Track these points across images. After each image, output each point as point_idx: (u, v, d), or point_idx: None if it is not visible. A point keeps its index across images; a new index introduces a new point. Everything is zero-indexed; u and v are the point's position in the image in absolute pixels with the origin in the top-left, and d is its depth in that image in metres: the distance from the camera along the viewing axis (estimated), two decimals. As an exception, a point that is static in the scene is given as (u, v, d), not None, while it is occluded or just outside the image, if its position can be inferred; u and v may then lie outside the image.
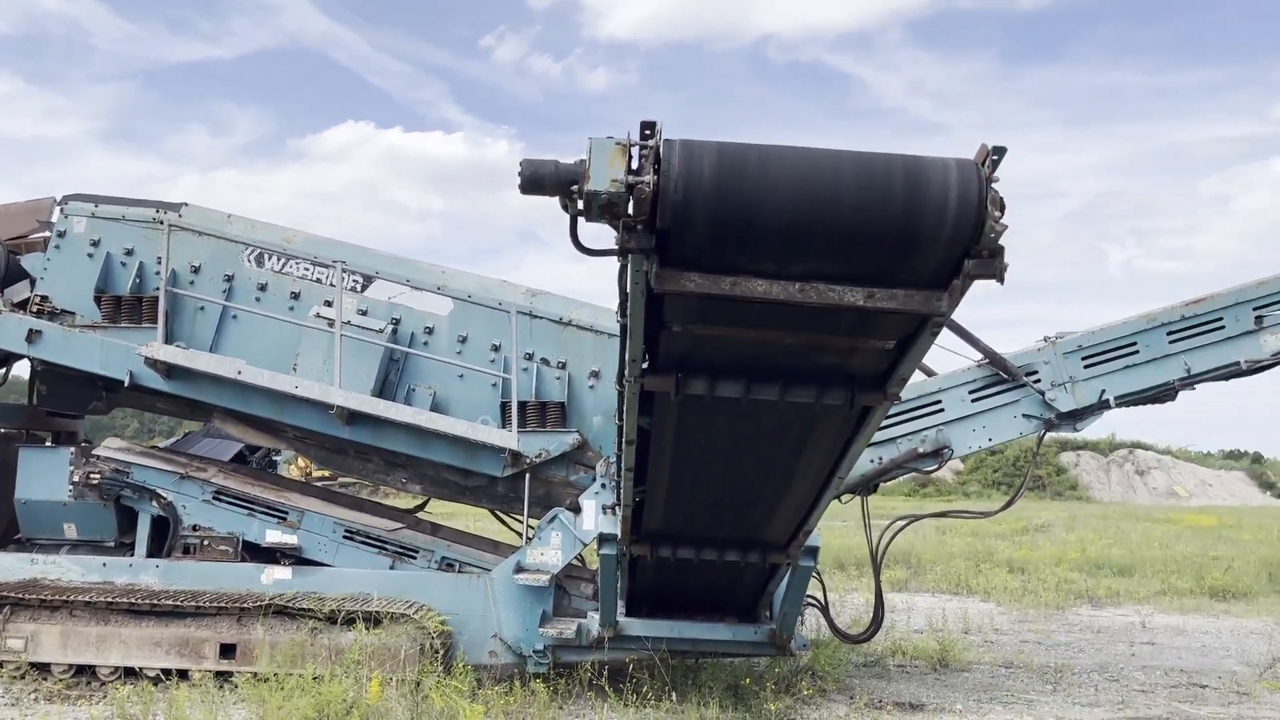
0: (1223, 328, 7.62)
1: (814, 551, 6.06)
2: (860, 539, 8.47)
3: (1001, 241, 3.10)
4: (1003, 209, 3.07)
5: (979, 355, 7.66)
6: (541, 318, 7.89)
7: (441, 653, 7.17)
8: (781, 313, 3.47)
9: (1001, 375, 7.62)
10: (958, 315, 7.72)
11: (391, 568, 7.80)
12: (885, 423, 7.58)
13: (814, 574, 7.81)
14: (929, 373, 8.08)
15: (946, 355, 7.80)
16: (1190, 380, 7.62)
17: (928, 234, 3.13)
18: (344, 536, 7.89)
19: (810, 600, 7.61)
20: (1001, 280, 3.18)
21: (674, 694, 7.00)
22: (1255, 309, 7.61)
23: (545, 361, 7.93)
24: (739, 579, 6.58)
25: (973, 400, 7.65)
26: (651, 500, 5.50)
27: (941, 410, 7.64)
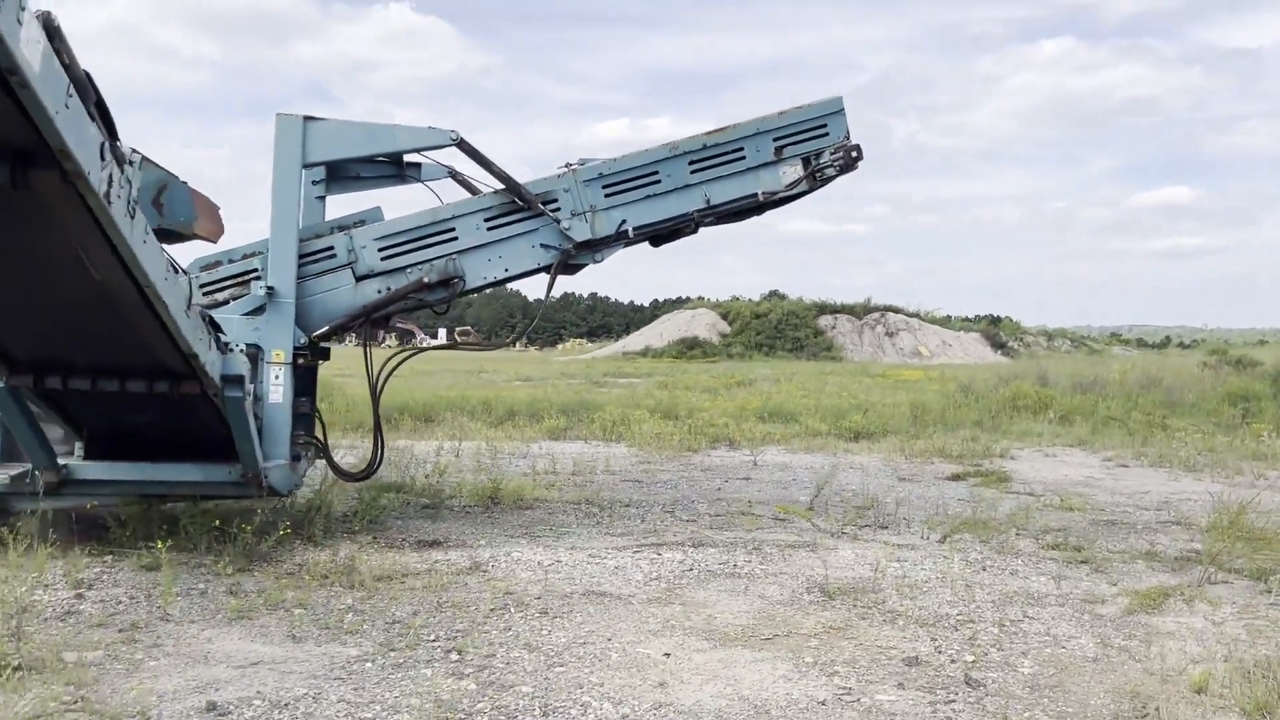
0: (744, 158, 7.54)
1: (237, 381, 5.60)
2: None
3: None
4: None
5: (496, 182, 7.29)
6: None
7: None
8: None
9: (518, 203, 7.29)
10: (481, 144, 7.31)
11: None
12: (394, 251, 7.18)
13: (314, 411, 7.46)
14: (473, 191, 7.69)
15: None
16: (710, 211, 7.54)
17: None
18: None
19: (308, 439, 7.25)
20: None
21: (149, 541, 6.51)
22: (775, 140, 7.55)
23: None
24: (188, 414, 6.07)
25: (489, 229, 7.30)
26: None
27: (455, 238, 7.26)
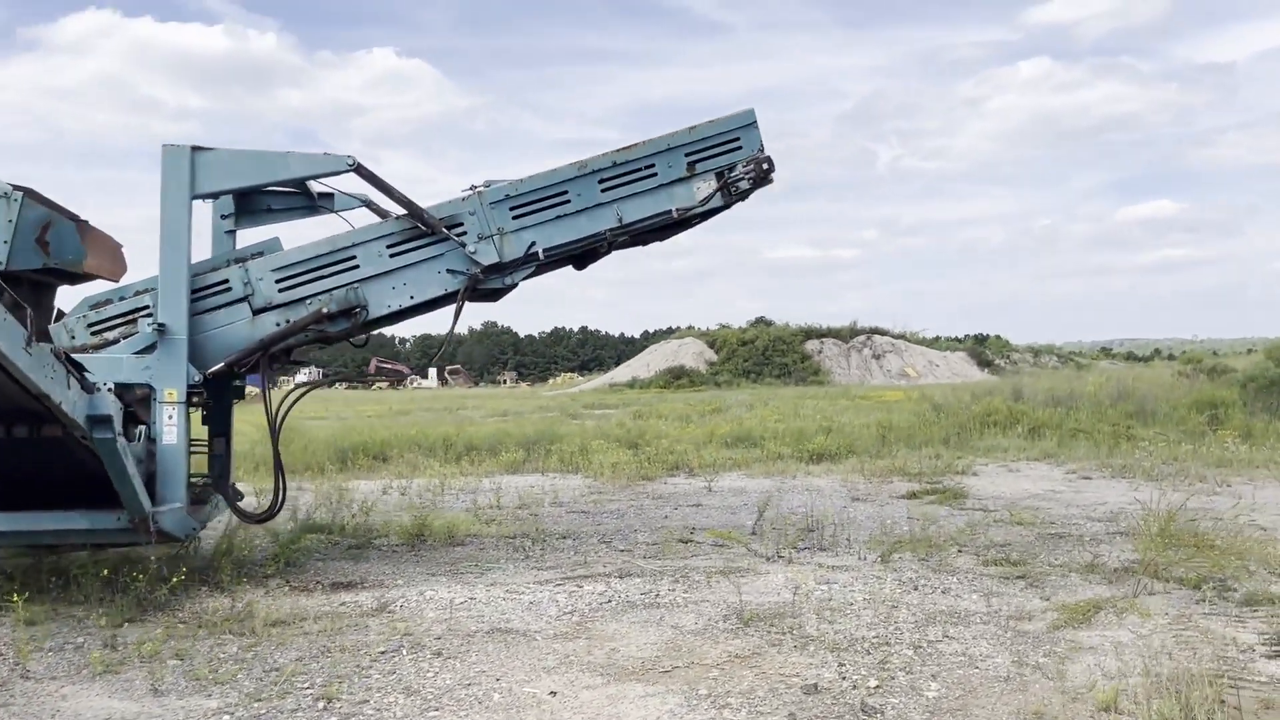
0: (655, 175, 7.33)
1: (104, 421, 5.32)
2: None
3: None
4: None
5: (399, 207, 7.06)
6: None
7: None
8: None
9: (422, 228, 7.06)
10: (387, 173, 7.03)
11: None
12: (292, 281, 6.95)
13: (229, 452, 7.20)
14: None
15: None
16: (624, 230, 7.32)
17: None
18: None
19: (204, 479, 6.98)
20: None
21: (39, 593, 6.23)
22: (688, 155, 7.36)
23: None
24: (69, 459, 5.80)
25: (391, 256, 7.07)
26: None
27: (356, 267, 7.02)
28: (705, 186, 7.34)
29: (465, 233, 7.09)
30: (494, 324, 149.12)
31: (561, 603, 6.45)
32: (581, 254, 7.42)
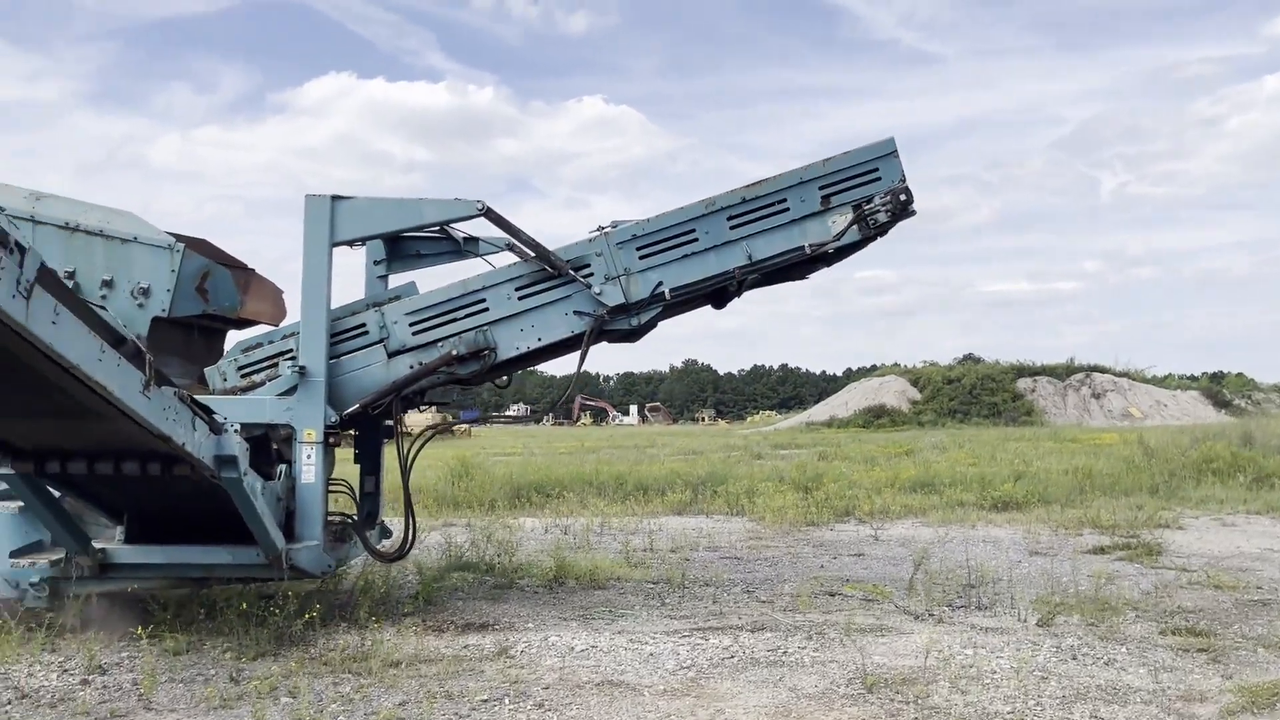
0: (787, 210, 7.06)
1: (230, 461, 5.55)
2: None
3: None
4: None
5: (528, 250, 7.10)
6: (45, 224, 7.22)
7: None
8: None
9: (550, 270, 7.06)
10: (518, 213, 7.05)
11: None
12: (424, 325, 7.10)
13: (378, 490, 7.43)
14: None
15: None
16: (753, 268, 7.07)
17: None
18: None
19: (343, 517, 7.19)
20: None
21: (187, 624, 6.57)
22: (822, 189, 7.04)
23: None
24: (213, 496, 6.08)
25: (520, 298, 7.10)
26: None
27: (486, 309, 7.09)
28: (841, 220, 6.99)
29: (592, 274, 7.05)
30: (694, 362, 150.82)
31: (681, 656, 6.19)
32: (714, 292, 7.22)
